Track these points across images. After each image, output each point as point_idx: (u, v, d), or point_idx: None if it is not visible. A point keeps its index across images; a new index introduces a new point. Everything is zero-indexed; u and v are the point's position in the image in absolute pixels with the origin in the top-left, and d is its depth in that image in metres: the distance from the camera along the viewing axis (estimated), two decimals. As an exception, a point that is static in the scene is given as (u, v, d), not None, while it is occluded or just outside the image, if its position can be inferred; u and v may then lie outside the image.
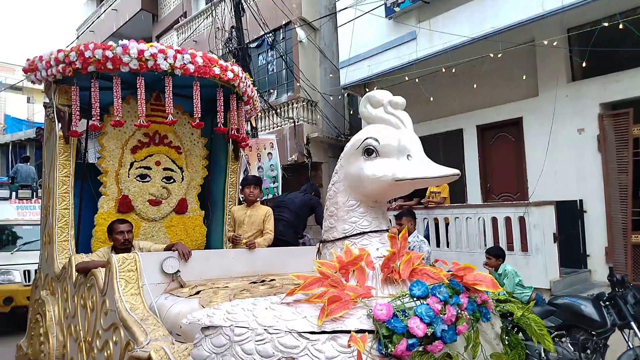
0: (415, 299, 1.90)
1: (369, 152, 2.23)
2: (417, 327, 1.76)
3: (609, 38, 5.96)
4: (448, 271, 2.21)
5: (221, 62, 4.35)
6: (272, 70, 10.51)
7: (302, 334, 1.79)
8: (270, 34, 9.65)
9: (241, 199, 4.80)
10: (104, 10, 16.76)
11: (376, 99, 2.35)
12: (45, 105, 4.70)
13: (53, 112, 4.12)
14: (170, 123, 4.11)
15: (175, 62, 3.98)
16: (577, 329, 3.85)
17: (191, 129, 5.12)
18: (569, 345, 3.81)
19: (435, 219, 6.74)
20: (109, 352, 2.64)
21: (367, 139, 2.24)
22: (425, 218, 6.93)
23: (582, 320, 3.80)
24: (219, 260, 3.28)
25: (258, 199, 4.73)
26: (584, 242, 6.40)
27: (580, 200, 6.43)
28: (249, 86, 4.79)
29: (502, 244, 5.68)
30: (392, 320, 1.78)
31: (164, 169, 4.81)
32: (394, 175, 2.13)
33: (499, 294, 2.33)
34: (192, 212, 5.07)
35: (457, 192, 7.20)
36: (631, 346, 3.59)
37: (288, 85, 10.05)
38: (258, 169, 8.48)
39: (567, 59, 6.64)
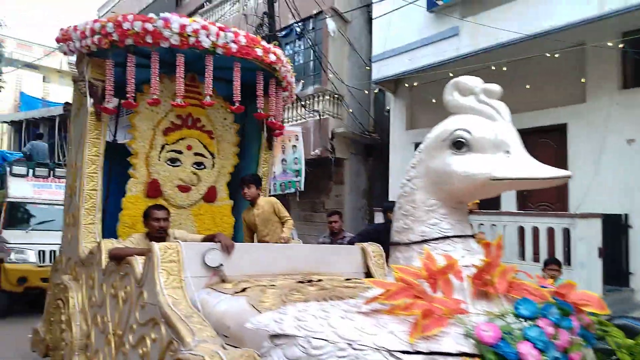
0: (521, 319, 1.62)
1: (458, 145, 1.95)
2: (531, 355, 1.49)
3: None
4: (541, 287, 1.94)
5: (263, 43, 4.10)
6: (299, 61, 10.22)
7: (394, 352, 1.53)
8: (300, 24, 9.37)
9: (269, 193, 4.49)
10: (127, -8, 16.55)
11: (466, 85, 2.07)
12: (75, 80, 4.46)
13: (85, 86, 3.87)
14: (209, 104, 3.87)
15: (217, 39, 3.74)
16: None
17: (224, 113, 4.87)
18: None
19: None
20: (145, 349, 2.39)
21: (457, 130, 1.96)
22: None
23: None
24: (262, 255, 3.02)
25: (260, 194, 4.34)
26: (627, 259, 6.06)
27: (626, 215, 6.10)
28: (289, 71, 4.53)
29: (543, 256, 5.38)
30: (502, 345, 1.51)
31: (195, 154, 4.58)
32: (491, 173, 1.85)
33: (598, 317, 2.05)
34: (221, 201, 4.83)
35: (489, 199, 6.88)
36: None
37: (315, 77, 9.77)
38: (282, 161, 8.23)
39: (619, 65, 6.28)
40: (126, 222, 4.17)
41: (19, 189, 7.82)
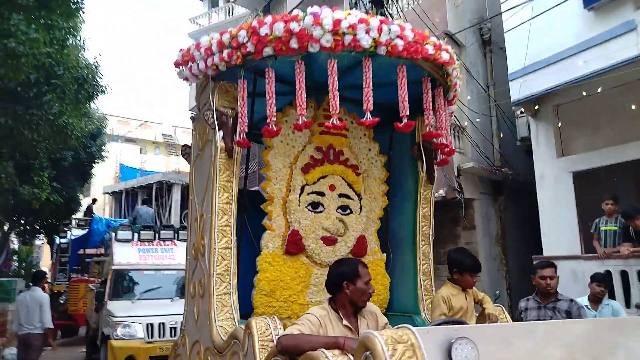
0: None
1: None
2: None
3: None
4: None
5: (433, 38, 3.08)
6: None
7: None
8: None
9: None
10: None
11: None
12: (195, 118, 3.72)
13: (213, 116, 3.03)
14: (370, 123, 2.81)
15: (380, 36, 2.76)
16: None
17: (368, 144, 3.88)
18: None
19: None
20: None
21: None
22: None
23: None
24: (523, 341, 1.77)
25: None
26: None
27: None
28: (458, 77, 3.44)
29: None
30: None
31: (340, 196, 3.56)
32: None
33: None
34: (372, 255, 3.72)
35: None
36: None
37: (430, 109, 8.66)
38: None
39: None
40: (263, 289, 3.15)
41: (125, 255, 7.28)
